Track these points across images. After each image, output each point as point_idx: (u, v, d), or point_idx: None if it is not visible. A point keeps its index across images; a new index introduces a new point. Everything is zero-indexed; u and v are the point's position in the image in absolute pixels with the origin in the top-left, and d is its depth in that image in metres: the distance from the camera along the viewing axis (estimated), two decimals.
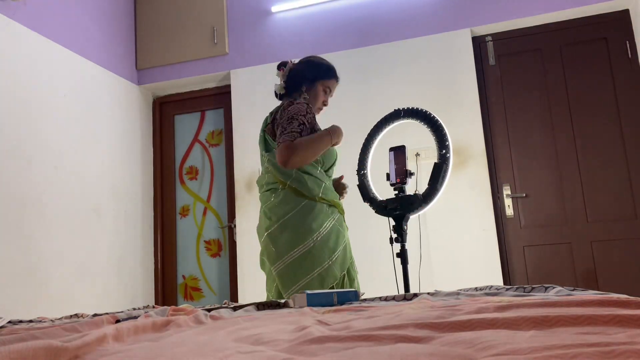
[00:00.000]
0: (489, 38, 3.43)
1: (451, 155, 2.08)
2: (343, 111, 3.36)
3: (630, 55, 3.18)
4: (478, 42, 3.43)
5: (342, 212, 2.07)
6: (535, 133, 3.27)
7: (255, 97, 3.74)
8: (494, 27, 3.37)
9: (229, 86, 3.86)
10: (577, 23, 3.29)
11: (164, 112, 4.23)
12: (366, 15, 3.57)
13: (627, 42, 3.20)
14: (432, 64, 3.38)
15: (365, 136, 2.35)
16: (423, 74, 3.38)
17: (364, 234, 3.09)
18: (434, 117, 2.13)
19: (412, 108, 2.19)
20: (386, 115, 2.27)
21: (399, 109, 2.22)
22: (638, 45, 3.16)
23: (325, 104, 2.24)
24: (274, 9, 3.76)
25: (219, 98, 4.11)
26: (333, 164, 2.12)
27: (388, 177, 2.15)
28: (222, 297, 3.89)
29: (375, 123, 2.32)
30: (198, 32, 3.90)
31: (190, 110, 4.19)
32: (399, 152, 2.13)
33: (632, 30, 3.20)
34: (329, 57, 3.59)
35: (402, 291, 2.13)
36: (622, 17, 3.22)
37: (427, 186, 2.06)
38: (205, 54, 3.87)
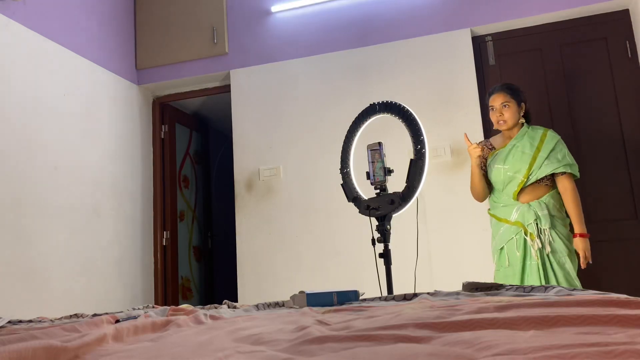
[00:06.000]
0: (489, 38, 3.43)
1: (427, 150, 2.06)
2: (342, 111, 3.36)
3: (630, 55, 3.18)
4: (478, 42, 3.43)
5: (512, 224, 2.47)
6: (529, 120, 3.26)
7: (255, 97, 3.74)
8: (494, 27, 3.37)
9: (228, 86, 3.86)
10: (577, 23, 3.29)
11: (165, 114, 4.23)
12: (366, 15, 3.57)
13: (627, 42, 3.19)
14: (432, 64, 3.38)
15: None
16: (423, 74, 3.38)
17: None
18: (407, 110, 2.10)
19: (387, 102, 2.17)
20: (362, 111, 2.26)
21: (374, 104, 2.22)
22: (638, 45, 3.16)
23: (498, 121, 2.57)
24: (273, 9, 3.76)
25: (217, 101, 4.12)
26: (499, 184, 2.55)
27: (368, 176, 2.15)
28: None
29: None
30: (198, 32, 3.90)
31: (184, 123, 4.53)
32: (376, 150, 2.12)
33: (632, 30, 3.20)
34: (329, 57, 3.62)
35: (385, 292, 2.13)
36: (622, 17, 3.22)
37: (405, 184, 2.05)
38: (205, 54, 3.87)
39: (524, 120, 2.60)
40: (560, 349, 0.58)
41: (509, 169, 2.51)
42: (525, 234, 2.44)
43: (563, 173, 2.46)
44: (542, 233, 2.42)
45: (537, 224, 2.42)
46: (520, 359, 0.57)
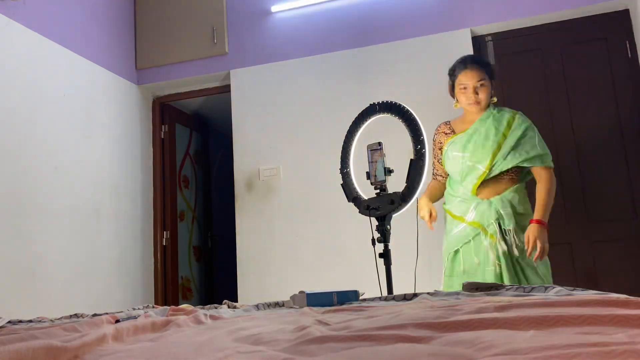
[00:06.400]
0: (489, 38, 3.43)
1: (427, 150, 2.02)
2: (342, 111, 3.35)
3: (630, 55, 3.18)
4: (478, 42, 3.43)
5: (469, 224, 2.21)
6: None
7: (255, 97, 3.74)
8: (494, 27, 3.36)
9: (228, 86, 3.86)
10: (577, 23, 3.29)
11: (165, 114, 4.23)
12: (366, 15, 3.57)
13: (627, 42, 3.19)
14: (432, 64, 3.37)
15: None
16: (423, 74, 3.38)
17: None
18: (407, 110, 2.09)
19: (387, 102, 2.16)
20: (362, 111, 2.26)
21: (374, 104, 2.21)
22: (638, 45, 3.16)
23: (473, 102, 2.25)
24: (273, 8, 3.76)
25: (218, 101, 4.12)
26: (456, 174, 2.28)
27: (368, 176, 2.15)
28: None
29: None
30: (198, 32, 3.90)
31: (184, 123, 4.52)
32: (376, 150, 2.12)
33: (632, 30, 3.19)
34: (329, 57, 3.62)
35: (385, 292, 2.13)
36: (622, 17, 3.22)
37: (405, 184, 2.05)
38: (205, 54, 3.87)
39: (495, 100, 2.30)
40: (560, 349, 0.58)
41: (469, 158, 2.22)
42: (485, 237, 2.14)
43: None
44: (507, 234, 2.11)
45: (499, 224, 2.13)
46: (520, 359, 0.57)
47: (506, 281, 2.06)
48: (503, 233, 2.12)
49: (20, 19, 2.98)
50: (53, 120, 3.14)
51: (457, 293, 1.37)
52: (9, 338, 0.93)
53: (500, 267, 2.09)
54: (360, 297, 1.48)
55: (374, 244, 2.11)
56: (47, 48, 3.16)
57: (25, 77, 2.98)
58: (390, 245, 2.12)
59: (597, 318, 0.74)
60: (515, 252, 2.10)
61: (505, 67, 3.39)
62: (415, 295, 1.38)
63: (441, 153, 2.38)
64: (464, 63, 2.29)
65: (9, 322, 1.43)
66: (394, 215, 2.11)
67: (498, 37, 3.41)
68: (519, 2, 3.28)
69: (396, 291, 2.04)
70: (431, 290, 1.50)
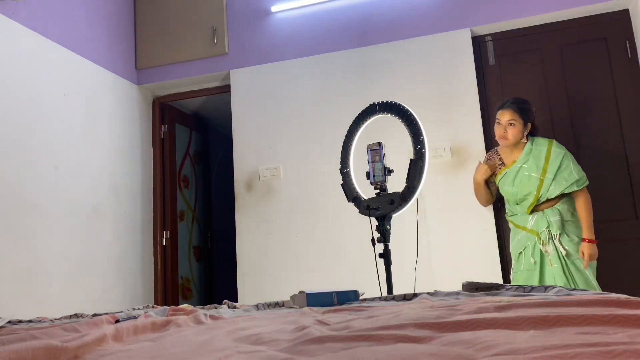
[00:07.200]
0: (489, 38, 3.43)
1: (427, 150, 2.06)
2: (342, 111, 3.35)
3: (630, 55, 3.18)
4: (478, 42, 3.43)
5: (529, 231, 2.56)
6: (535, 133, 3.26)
7: (255, 97, 3.73)
8: (494, 27, 3.36)
9: (228, 86, 3.86)
10: (577, 23, 3.29)
11: (165, 114, 4.23)
12: (366, 15, 3.57)
13: (627, 42, 3.19)
14: (432, 64, 3.37)
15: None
16: (423, 74, 3.38)
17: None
18: (407, 110, 2.10)
19: (387, 102, 2.17)
20: (362, 111, 2.27)
21: (374, 104, 2.22)
22: (638, 45, 3.16)
23: (501, 137, 2.62)
24: (273, 8, 3.76)
25: (217, 101, 4.12)
26: (511, 202, 2.66)
27: (368, 176, 2.15)
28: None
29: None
30: (198, 32, 3.90)
31: (184, 123, 4.54)
32: (376, 150, 2.12)
33: (632, 30, 3.19)
34: (329, 57, 3.62)
35: (385, 292, 2.13)
36: (622, 17, 3.22)
37: (405, 184, 2.05)
38: (205, 54, 3.87)
39: (525, 140, 2.64)
40: (560, 349, 0.58)
41: (519, 193, 2.58)
42: (539, 241, 2.52)
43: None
44: (553, 238, 2.49)
45: (549, 231, 2.50)
46: (520, 359, 0.57)
47: (557, 279, 2.45)
48: (552, 238, 2.50)
49: (20, 19, 2.98)
50: (53, 120, 3.13)
51: (457, 293, 1.37)
52: (9, 338, 0.93)
53: (551, 266, 2.49)
54: (360, 297, 1.48)
55: (374, 244, 2.11)
56: (48, 48, 3.16)
57: (26, 78, 2.98)
58: (390, 245, 2.12)
59: (597, 318, 0.74)
60: (563, 251, 2.47)
61: (505, 67, 3.39)
62: (415, 295, 1.38)
63: (495, 179, 2.73)
64: (503, 103, 2.67)
65: (9, 322, 1.43)
66: (394, 215, 2.11)
67: (498, 37, 3.41)
68: (519, 2, 3.28)
69: (396, 291, 2.04)
70: (431, 290, 1.50)
